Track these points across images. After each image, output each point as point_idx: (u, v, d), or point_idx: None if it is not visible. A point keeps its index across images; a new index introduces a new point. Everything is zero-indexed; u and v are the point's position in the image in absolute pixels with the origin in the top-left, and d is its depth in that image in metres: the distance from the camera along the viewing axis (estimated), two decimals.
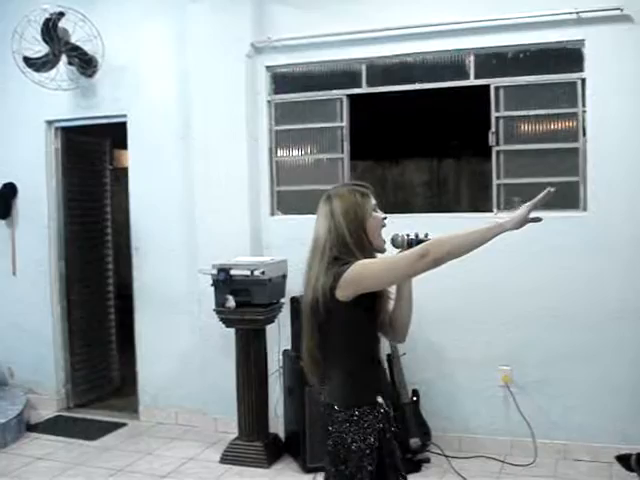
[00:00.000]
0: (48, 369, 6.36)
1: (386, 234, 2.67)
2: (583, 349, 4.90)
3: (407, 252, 2.43)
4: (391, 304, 2.72)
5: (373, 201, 2.66)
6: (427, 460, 4.98)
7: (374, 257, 2.61)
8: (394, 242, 2.65)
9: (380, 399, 2.61)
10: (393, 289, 2.70)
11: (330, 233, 2.58)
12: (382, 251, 2.65)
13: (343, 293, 2.48)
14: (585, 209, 4.91)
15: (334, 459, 2.57)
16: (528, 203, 2.39)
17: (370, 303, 2.56)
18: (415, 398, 5.03)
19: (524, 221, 2.39)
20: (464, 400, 5.20)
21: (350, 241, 2.55)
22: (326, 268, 2.53)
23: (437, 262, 2.35)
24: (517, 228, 2.39)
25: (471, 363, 5.15)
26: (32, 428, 5.87)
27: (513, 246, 4.98)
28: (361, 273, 2.46)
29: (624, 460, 4.69)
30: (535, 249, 4.94)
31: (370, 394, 2.60)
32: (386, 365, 4.98)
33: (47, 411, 6.27)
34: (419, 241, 2.58)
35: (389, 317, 2.72)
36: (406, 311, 2.72)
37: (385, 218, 2.66)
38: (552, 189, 2.38)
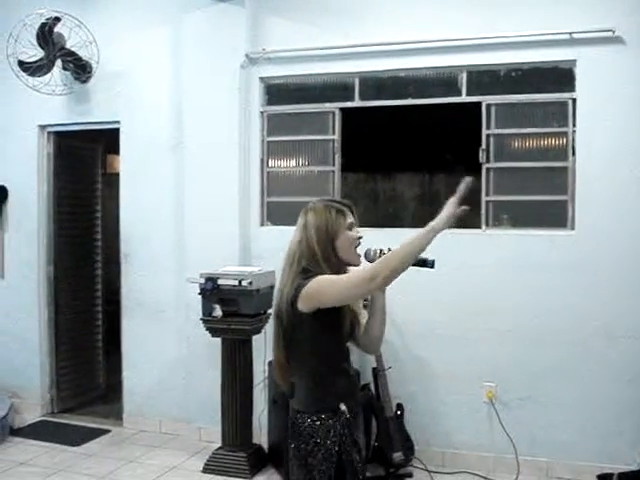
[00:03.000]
0: (33, 373, 6.34)
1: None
2: (568, 367, 4.92)
3: (360, 273, 2.49)
4: (364, 315, 2.78)
5: (349, 219, 2.71)
6: (410, 475, 4.99)
7: (342, 272, 2.67)
8: (367, 256, 2.71)
9: (343, 406, 2.66)
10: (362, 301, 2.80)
11: (300, 244, 2.67)
12: (356, 266, 2.70)
13: (303, 305, 2.57)
14: (573, 228, 4.94)
15: (298, 462, 2.67)
16: (452, 199, 2.43)
17: (332, 316, 2.60)
18: (399, 412, 5.03)
19: (452, 218, 2.42)
20: (448, 415, 5.21)
21: (319, 255, 2.63)
22: (293, 279, 2.62)
23: (387, 280, 2.43)
24: (448, 226, 2.43)
25: (456, 378, 5.16)
26: (16, 432, 5.85)
27: (500, 263, 5.04)
28: (317, 290, 2.53)
29: (606, 479, 4.71)
30: (522, 266, 4.97)
31: (332, 401, 2.66)
32: (372, 378, 5.01)
33: (31, 415, 6.24)
34: None
35: (363, 328, 2.78)
36: (379, 323, 2.76)
37: (360, 237, 2.72)
38: (470, 178, 2.43)
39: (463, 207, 2.42)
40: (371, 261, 2.65)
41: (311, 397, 2.69)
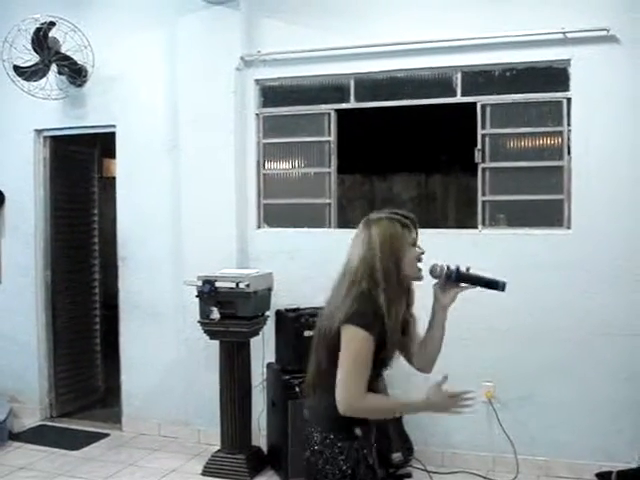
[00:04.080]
0: (32, 378, 6.34)
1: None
2: (566, 365, 4.93)
3: (355, 386, 2.43)
4: (417, 335, 2.72)
5: (414, 234, 2.60)
6: (409, 475, 4.99)
7: (403, 289, 2.58)
8: (432, 272, 2.62)
9: (358, 430, 2.56)
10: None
11: (363, 262, 2.52)
12: (419, 280, 2.62)
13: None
14: (569, 227, 4.95)
15: (307, 473, 2.64)
16: (436, 398, 2.55)
17: (377, 347, 2.48)
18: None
19: (423, 409, 2.63)
20: (446, 415, 5.19)
21: (379, 272, 2.49)
22: (350, 300, 2.48)
23: (354, 413, 2.47)
24: (418, 412, 2.69)
25: (454, 378, 5.05)
26: (15, 437, 5.85)
27: (497, 262, 5.01)
28: (348, 337, 2.44)
29: (605, 477, 4.72)
30: (519, 265, 4.97)
31: (349, 425, 2.55)
32: None
33: (30, 420, 6.25)
34: (459, 275, 2.59)
35: (418, 345, 2.70)
36: (437, 341, 2.68)
37: (422, 253, 2.60)
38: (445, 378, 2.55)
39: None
40: (437, 277, 2.60)
41: (327, 415, 2.57)
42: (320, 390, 2.63)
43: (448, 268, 2.59)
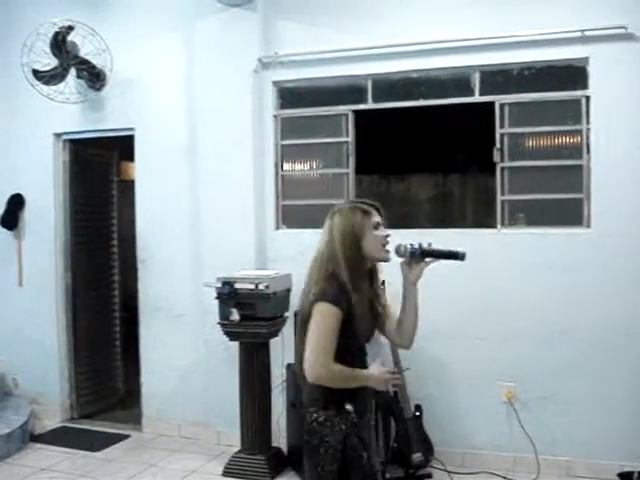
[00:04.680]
0: (53, 380, 6.39)
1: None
2: (587, 365, 4.91)
3: (323, 354, 2.63)
4: (393, 312, 2.88)
5: (376, 219, 2.78)
6: (429, 476, 4.98)
7: (374, 270, 2.85)
8: (397, 252, 2.78)
9: (348, 406, 2.73)
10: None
11: (327, 247, 2.75)
12: (385, 260, 2.80)
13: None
14: (589, 226, 4.92)
15: (305, 454, 2.82)
16: (386, 375, 2.74)
17: (344, 321, 2.67)
18: (418, 413, 5.03)
19: (377, 387, 2.75)
20: (467, 415, 5.20)
21: (341, 256, 2.70)
22: (318, 282, 2.71)
23: (319, 381, 2.66)
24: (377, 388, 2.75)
25: (474, 379, 5.15)
26: (36, 438, 5.89)
27: (516, 262, 5.03)
28: (317, 313, 2.66)
29: (626, 478, 4.69)
30: (539, 265, 4.97)
31: (338, 400, 2.73)
32: None
33: (51, 422, 6.30)
34: (422, 251, 2.73)
35: (396, 322, 2.86)
36: (410, 317, 2.83)
37: (388, 236, 2.77)
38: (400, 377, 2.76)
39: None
40: (402, 256, 2.75)
41: (317, 393, 2.76)
42: None
43: (412, 246, 2.74)
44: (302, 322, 2.74)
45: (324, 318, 2.63)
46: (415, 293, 2.80)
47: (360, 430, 2.77)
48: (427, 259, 2.77)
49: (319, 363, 2.61)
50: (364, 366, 2.84)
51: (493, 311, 5.10)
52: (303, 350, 2.71)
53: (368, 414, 2.89)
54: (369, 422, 2.91)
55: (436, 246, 2.77)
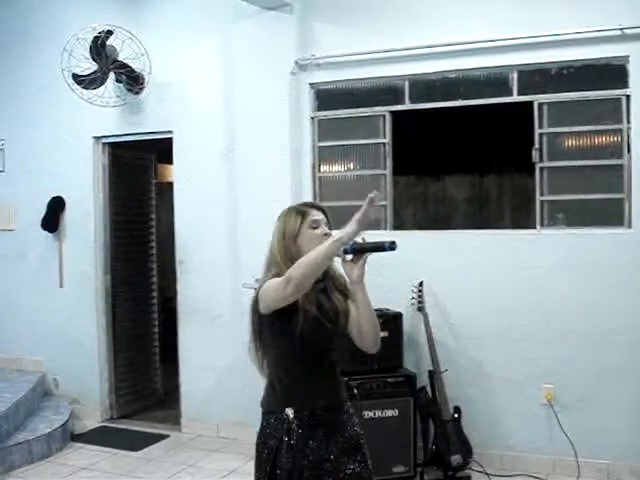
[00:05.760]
0: (92, 380, 6.47)
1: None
2: (627, 367, 4.84)
3: (280, 278, 2.52)
4: (352, 314, 2.75)
5: (312, 217, 2.75)
6: (468, 478, 4.96)
7: None
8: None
9: (288, 411, 2.64)
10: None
11: (269, 252, 2.78)
12: None
13: (261, 307, 2.63)
14: (630, 226, 4.86)
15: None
16: (356, 215, 2.45)
17: (285, 319, 2.61)
18: (457, 415, 5.01)
19: (354, 232, 2.45)
20: (506, 417, 5.16)
21: (279, 257, 2.70)
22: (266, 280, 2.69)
23: (298, 285, 2.45)
24: (353, 237, 2.47)
25: (514, 380, 5.12)
26: (76, 438, 5.97)
27: (556, 262, 4.99)
28: (262, 292, 2.62)
29: None
30: (580, 266, 4.92)
31: (278, 404, 2.68)
32: (428, 381, 4.99)
33: (91, 421, 6.38)
34: (352, 248, 2.59)
35: (356, 324, 2.73)
36: (365, 318, 2.69)
37: (325, 234, 2.71)
38: (373, 194, 2.43)
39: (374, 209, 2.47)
40: (338, 256, 2.62)
41: (264, 396, 2.77)
42: (266, 370, 2.80)
43: (353, 243, 2.60)
44: (251, 321, 2.75)
45: (272, 280, 2.60)
46: (362, 292, 2.67)
47: (302, 438, 2.64)
48: (365, 255, 2.62)
49: (284, 278, 2.48)
50: (329, 368, 2.75)
51: (532, 312, 5.06)
52: (257, 348, 2.76)
53: (323, 429, 2.69)
54: (327, 439, 2.69)
55: (372, 239, 2.66)
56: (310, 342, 2.66)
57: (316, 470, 2.65)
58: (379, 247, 2.59)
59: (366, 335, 2.72)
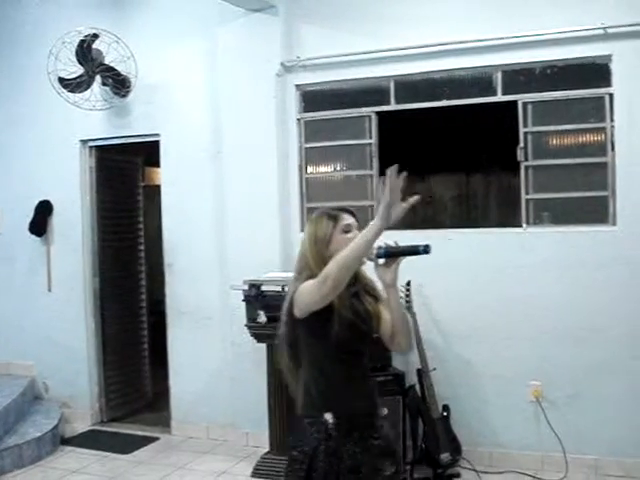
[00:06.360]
0: (82, 384, 6.46)
1: None
2: (614, 363, 4.89)
3: (318, 278, 2.51)
4: (384, 317, 2.78)
5: (344, 222, 2.75)
6: (458, 475, 4.99)
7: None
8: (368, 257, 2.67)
9: (327, 416, 2.65)
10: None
11: (300, 256, 2.79)
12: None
13: (296, 311, 2.64)
14: (614, 223, 4.91)
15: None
16: (385, 193, 2.37)
17: (321, 322, 2.62)
18: (445, 413, 5.04)
19: (388, 213, 2.38)
20: (495, 415, 5.20)
21: (312, 262, 2.69)
22: (299, 284, 2.67)
23: (335, 282, 2.45)
24: (388, 221, 2.39)
25: (501, 378, 5.15)
26: (66, 442, 5.96)
27: (542, 260, 5.03)
28: (297, 296, 2.62)
29: None
30: (565, 264, 4.96)
31: (316, 408, 2.69)
32: (417, 379, 5.02)
33: (81, 425, 6.37)
34: (386, 252, 2.63)
35: (389, 326, 2.77)
36: (399, 319, 2.74)
37: None
38: (393, 167, 2.37)
39: (414, 198, 2.45)
40: (371, 260, 2.65)
41: (302, 402, 2.75)
42: (299, 380, 2.78)
43: (378, 249, 2.63)
44: (284, 326, 2.78)
45: (308, 282, 2.60)
46: (395, 295, 2.72)
47: (339, 443, 2.65)
48: (399, 258, 2.67)
49: (322, 277, 2.47)
50: (364, 371, 2.80)
51: (519, 310, 5.09)
52: (287, 356, 2.79)
53: (358, 433, 2.70)
54: (367, 432, 2.73)
55: (401, 243, 2.69)
56: (346, 345, 2.69)
57: (353, 474, 2.66)
58: (414, 251, 2.60)
59: (399, 337, 2.76)
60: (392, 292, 2.71)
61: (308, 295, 2.56)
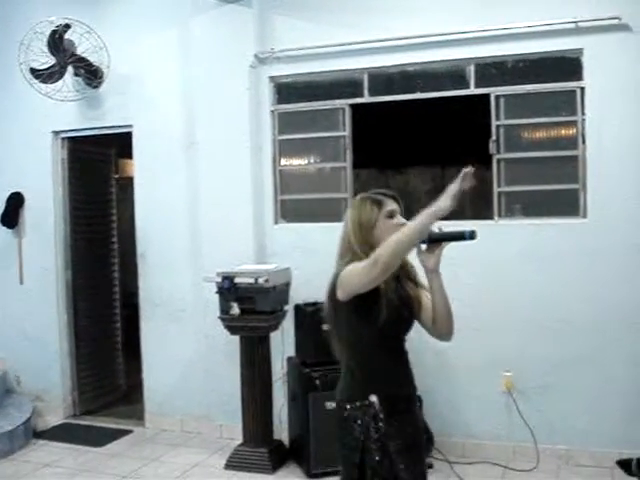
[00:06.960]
0: (55, 377, 6.42)
1: None
2: (585, 354, 4.94)
3: (368, 259, 2.50)
4: (425, 303, 2.79)
5: (388, 207, 2.77)
6: (430, 466, 4.99)
7: None
8: None
9: (373, 398, 2.69)
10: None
11: (343, 240, 2.80)
12: None
13: (339, 293, 2.65)
14: (585, 216, 4.95)
15: (337, 450, 2.79)
16: (452, 186, 2.44)
17: (367, 305, 2.64)
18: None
19: (448, 207, 2.41)
20: (467, 406, 5.23)
21: (356, 246, 2.70)
22: (342, 265, 2.70)
23: (386, 265, 2.45)
24: (446, 212, 2.41)
25: (473, 369, 5.19)
26: (39, 435, 5.93)
27: (514, 252, 5.07)
28: (342, 279, 2.62)
29: (625, 465, 4.70)
30: (536, 255, 5.00)
31: (362, 391, 2.71)
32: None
33: (54, 418, 6.32)
34: (429, 237, 2.63)
35: (430, 313, 2.77)
36: (440, 306, 2.73)
37: (402, 224, 2.68)
38: (469, 169, 2.46)
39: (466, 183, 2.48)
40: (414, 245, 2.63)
41: (344, 385, 2.78)
42: (341, 364, 2.81)
43: (431, 232, 2.64)
44: (328, 308, 2.77)
45: (352, 265, 2.61)
46: (438, 281, 2.72)
47: (385, 424, 2.69)
48: (443, 244, 2.69)
49: (371, 259, 2.48)
50: (404, 357, 2.83)
51: (491, 301, 5.13)
52: (338, 333, 2.77)
53: (404, 403, 2.79)
54: (407, 414, 2.79)
55: (446, 229, 2.69)
56: (391, 329, 2.72)
57: (406, 452, 2.70)
58: (459, 236, 2.62)
59: (442, 323, 2.76)
60: (435, 278, 2.71)
61: (356, 277, 2.56)
